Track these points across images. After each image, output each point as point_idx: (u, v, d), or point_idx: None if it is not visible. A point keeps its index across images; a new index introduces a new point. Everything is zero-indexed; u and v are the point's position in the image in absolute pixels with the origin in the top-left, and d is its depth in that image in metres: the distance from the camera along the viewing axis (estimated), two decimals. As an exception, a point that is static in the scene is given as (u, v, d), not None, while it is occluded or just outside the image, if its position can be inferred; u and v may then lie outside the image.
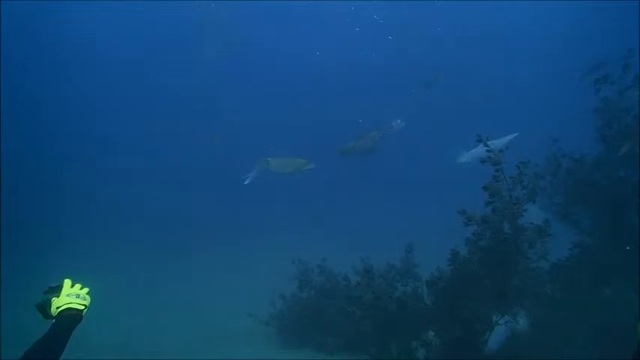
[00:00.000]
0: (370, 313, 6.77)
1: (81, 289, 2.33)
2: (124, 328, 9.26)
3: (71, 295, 2.25)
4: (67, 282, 2.32)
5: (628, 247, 6.54)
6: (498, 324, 6.51)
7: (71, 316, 2.18)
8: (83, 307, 2.26)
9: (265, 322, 9.67)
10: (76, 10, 23.24)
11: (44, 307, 2.24)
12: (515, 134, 9.26)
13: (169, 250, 14.84)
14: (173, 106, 25.11)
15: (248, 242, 15.54)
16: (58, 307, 2.20)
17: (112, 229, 15.87)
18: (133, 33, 24.76)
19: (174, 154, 23.55)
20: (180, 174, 22.06)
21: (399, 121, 11.71)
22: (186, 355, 8.40)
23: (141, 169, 21.85)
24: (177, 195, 20.32)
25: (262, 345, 9.17)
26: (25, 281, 6.77)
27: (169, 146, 24.02)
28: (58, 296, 2.25)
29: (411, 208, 17.24)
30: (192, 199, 20.12)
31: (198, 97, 24.62)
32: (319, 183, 17.64)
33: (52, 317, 2.20)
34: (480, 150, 9.52)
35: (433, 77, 18.69)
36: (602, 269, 6.08)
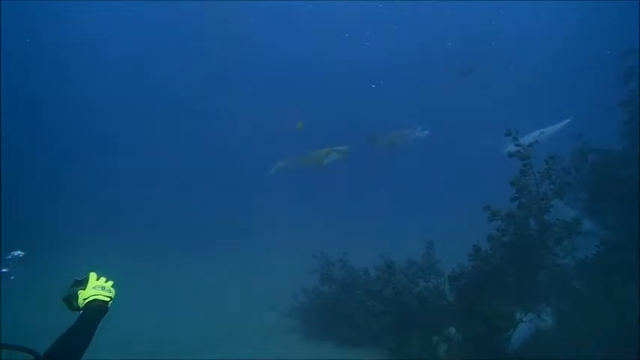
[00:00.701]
0: (391, 308, 6.75)
1: (106, 281, 2.41)
2: (147, 323, 9.31)
3: (97, 288, 2.33)
4: (93, 275, 2.40)
5: None
6: (522, 321, 6.38)
7: (98, 308, 2.26)
8: (109, 299, 2.35)
9: (288, 314, 9.73)
10: (76, 10, 23.29)
11: (70, 299, 2.33)
12: (568, 119, 8.90)
13: (190, 246, 15.07)
14: (174, 106, 25.22)
15: (269, 236, 15.61)
16: (85, 299, 2.28)
17: (135, 227, 16.19)
18: (134, 33, 24.74)
19: (187, 153, 23.69)
20: (196, 171, 22.25)
21: (421, 128, 11.86)
22: (212, 349, 8.42)
23: (152, 168, 22.08)
24: (195, 192, 20.59)
25: (286, 338, 9.21)
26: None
27: (180, 145, 24.14)
28: (84, 289, 2.33)
29: (434, 204, 17.07)
30: (214, 195, 20.34)
31: (198, 96, 24.76)
32: (341, 178, 17.62)
33: (78, 309, 2.28)
34: (534, 136, 9.32)
35: (469, 68, 18.47)
36: (630, 267, 5.86)
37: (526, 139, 9.25)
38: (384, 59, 25.43)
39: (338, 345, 8.61)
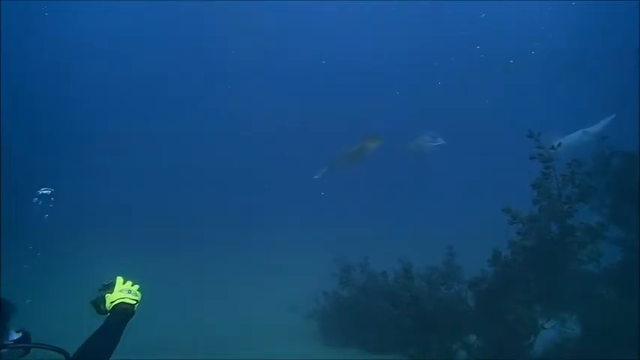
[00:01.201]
0: (409, 313, 6.68)
1: (132, 285, 2.48)
2: (165, 325, 9.29)
3: (124, 291, 2.40)
4: (119, 279, 2.47)
5: None
6: (544, 328, 6.21)
7: (124, 310, 2.33)
8: (135, 302, 2.41)
9: (307, 316, 9.77)
10: (76, 10, 23.57)
11: (98, 303, 2.39)
12: (612, 116, 8.52)
13: (211, 246, 15.20)
14: (179, 105, 25.43)
15: (291, 237, 15.70)
16: (112, 302, 2.35)
17: (153, 227, 16.41)
18: (136, 33, 24.86)
19: (207, 152, 23.86)
20: (216, 171, 22.43)
21: (440, 139, 11.82)
22: (231, 351, 8.48)
23: (172, 168, 22.35)
24: (216, 192, 20.72)
25: (305, 341, 9.21)
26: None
27: (197, 144, 24.33)
28: (111, 292, 2.39)
29: (456, 206, 16.82)
30: (236, 196, 20.52)
31: (199, 96, 24.88)
32: (361, 182, 17.59)
33: (106, 312, 2.35)
34: (576, 136, 8.99)
35: (512, 64, 18.22)
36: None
37: (568, 140, 9.06)
38: (402, 60, 25.38)
39: (357, 350, 8.57)
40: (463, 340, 6.73)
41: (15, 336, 1.98)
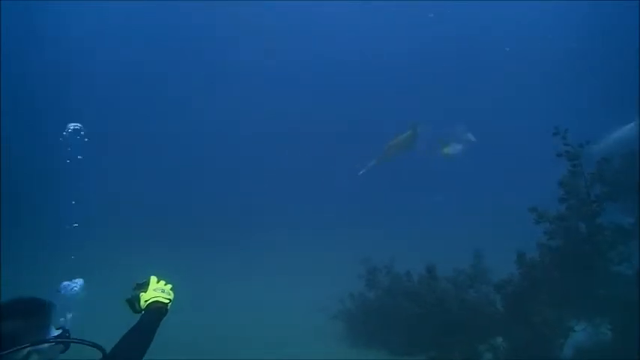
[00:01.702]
0: (432, 313, 6.65)
1: (165, 285, 2.55)
2: (190, 326, 9.16)
3: (157, 290, 2.48)
4: (154, 278, 2.56)
5: None
6: (574, 331, 6.06)
7: (158, 309, 2.40)
8: (168, 301, 2.48)
9: (333, 316, 9.81)
10: (77, 9, 23.62)
11: (133, 301, 2.47)
12: None
13: (237, 245, 15.35)
14: (176, 104, 25.48)
15: (314, 239, 15.69)
16: (146, 301, 2.43)
17: (179, 227, 16.63)
18: (135, 32, 25.03)
19: (229, 150, 24.03)
20: (241, 171, 22.64)
21: (470, 134, 11.49)
22: (258, 352, 8.52)
23: (194, 165, 22.48)
24: (244, 191, 20.85)
25: (331, 343, 9.22)
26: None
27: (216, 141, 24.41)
28: (145, 291, 2.47)
29: (483, 206, 16.55)
30: (264, 195, 20.57)
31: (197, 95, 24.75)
32: (387, 182, 17.48)
33: (140, 311, 2.43)
34: (625, 133, 8.73)
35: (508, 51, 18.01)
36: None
37: (614, 137, 8.78)
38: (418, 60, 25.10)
39: (382, 351, 8.55)
40: (489, 342, 6.65)
41: (55, 333, 2.04)
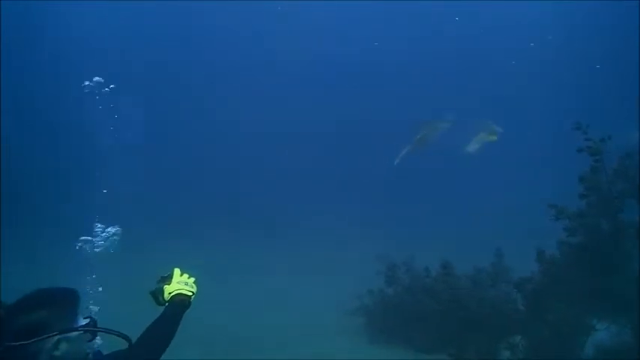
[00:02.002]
0: (451, 310, 6.65)
1: (188, 278, 2.58)
2: (210, 324, 9.05)
3: (181, 283, 2.51)
4: (177, 271, 2.59)
5: None
6: (596, 329, 5.98)
7: (182, 302, 2.44)
8: (191, 294, 2.51)
9: (353, 313, 9.87)
10: (76, 10, 23.69)
11: (157, 294, 2.51)
12: None
13: (258, 242, 15.52)
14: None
15: (337, 235, 15.85)
16: (170, 293, 2.46)
17: (201, 221, 16.85)
18: (135, 32, 25.12)
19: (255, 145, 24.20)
20: (266, 169, 22.79)
21: (498, 126, 11.27)
22: (278, 349, 8.55)
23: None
24: (265, 187, 20.99)
25: (350, 339, 9.24)
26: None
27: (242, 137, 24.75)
28: (169, 284, 2.51)
29: (503, 203, 16.35)
30: (283, 192, 20.71)
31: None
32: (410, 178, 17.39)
33: (164, 303, 2.47)
34: None
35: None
36: None
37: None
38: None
39: (402, 348, 8.57)
40: (509, 340, 6.61)
41: (83, 322, 2.06)
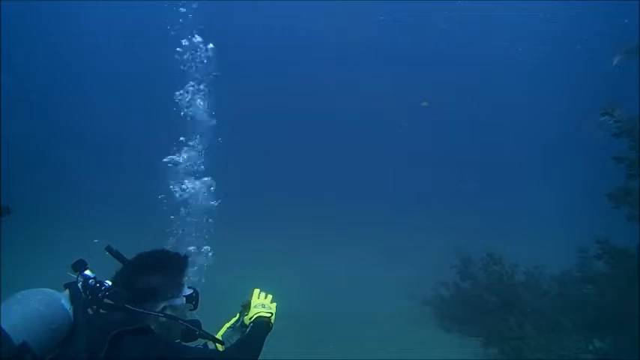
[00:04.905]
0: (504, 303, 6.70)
1: (265, 297, 2.49)
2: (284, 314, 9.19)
3: (257, 306, 2.45)
4: (255, 293, 2.53)
5: None
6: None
7: (259, 325, 2.33)
8: (270, 315, 2.40)
9: (426, 304, 10.07)
10: (77, 9, 23.90)
11: (243, 323, 2.43)
12: None
13: (330, 230, 15.53)
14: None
15: (412, 225, 15.90)
16: (250, 318, 2.40)
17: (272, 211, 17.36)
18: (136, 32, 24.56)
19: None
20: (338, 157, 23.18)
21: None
22: (345, 337, 8.35)
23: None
24: (337, 177, 21.46)
25: (423, 329, 9.15)
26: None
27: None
28: (247, 313, 2.44)
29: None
30: (360, 182, 21.11)
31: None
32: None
33: (246, 327, 2.41)
34: None
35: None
36: None
37: None
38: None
39: (475, 339, 8.60)
40: (588, 341, 6.52)
41: (188, 292, 2.06)
